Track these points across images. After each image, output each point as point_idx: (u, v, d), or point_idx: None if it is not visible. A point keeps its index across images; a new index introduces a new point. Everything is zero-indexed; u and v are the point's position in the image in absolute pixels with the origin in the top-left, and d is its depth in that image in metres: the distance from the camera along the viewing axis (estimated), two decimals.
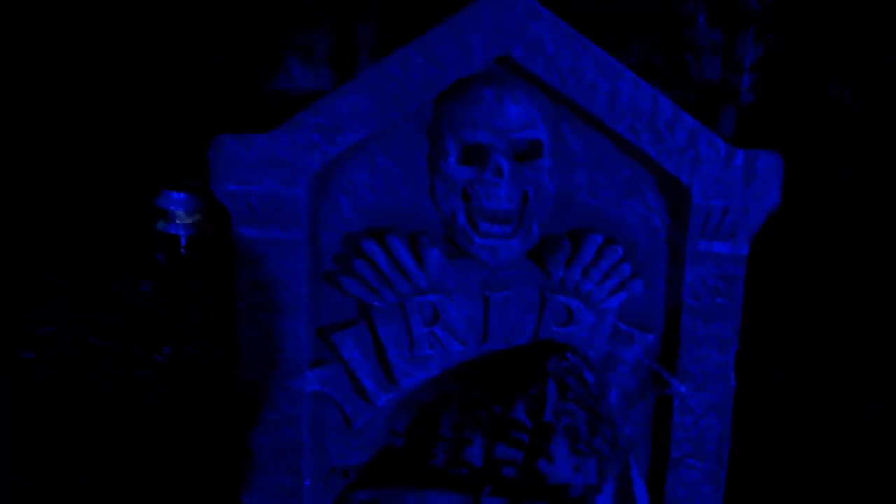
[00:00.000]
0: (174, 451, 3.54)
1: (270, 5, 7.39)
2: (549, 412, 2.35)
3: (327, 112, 2.29)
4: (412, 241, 2.35)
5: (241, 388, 2.45)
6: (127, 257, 6.13)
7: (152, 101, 7.31)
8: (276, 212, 2.35)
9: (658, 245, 2.42)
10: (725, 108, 7.20)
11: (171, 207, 5.60)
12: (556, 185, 2.34)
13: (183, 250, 6.05)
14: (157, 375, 4.82)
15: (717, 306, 2.41)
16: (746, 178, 2.29)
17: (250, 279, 2.38)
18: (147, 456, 3.98)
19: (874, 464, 3.53)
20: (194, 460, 3.61)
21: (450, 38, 2.15)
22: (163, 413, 4.26)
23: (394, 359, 2.49)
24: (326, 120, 2.29)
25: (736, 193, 2.28)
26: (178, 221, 5.95)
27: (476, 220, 2.31)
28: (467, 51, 2.18)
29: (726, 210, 2.29)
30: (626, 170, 2.36)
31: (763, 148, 2.27)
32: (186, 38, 7.35)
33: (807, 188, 5.43)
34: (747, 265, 2.37)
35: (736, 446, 2.47)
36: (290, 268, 2.38)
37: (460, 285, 2.40)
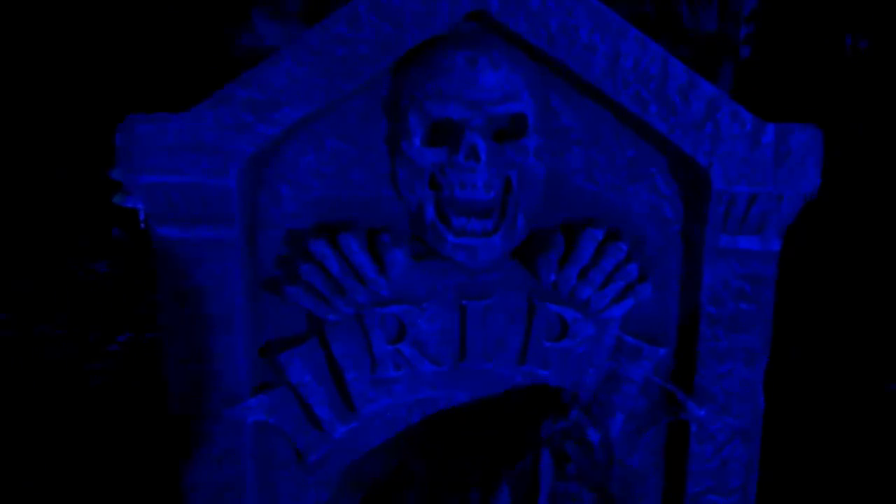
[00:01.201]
0: (128, 452, 3.03)
1: None
2: (543, 497, 1.91)
3: (260, 84, 2.04)
4: (371, 240, 2.11)
5: (169, 417, 2.23)
6: (81, 233, 5.67)
7: (103, 61, 6.78)
8: (202, 207, 2.10)
9: (670, 240, 2.16)
10: (722, 64, 6.70)
11: None
12: (545, 168, 2.09)
13: (142, 225, 5.58)
14: (112, 366, 4.35)
15: (743, 313, 2.15)
16: (778, 158, 2.02)
17: (174, 289, 2.15)
18: (97, 458, 3.69)
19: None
20: (150, 463, 3.41)
21: None
22: (115, 410, 3.78)
23: (352, 382, 2.25)
24: (260, 93, 2.04)
25: (765, 177, 2.02)
26: (136, 194, 5.44)
27: (448, 214, 2.06)
28: (431, 4, 1.94)
29: (753, 197, 2.04)
30: (630, 149, 2.12)
31: (761, 109, 2.07)
32: None
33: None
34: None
35: (764, 476, 2.37)
36: (221, 274, 2.14)
37: (431, 293, 2.17)
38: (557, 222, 2.13)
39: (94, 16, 6.82)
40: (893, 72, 5.72)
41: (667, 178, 2.13)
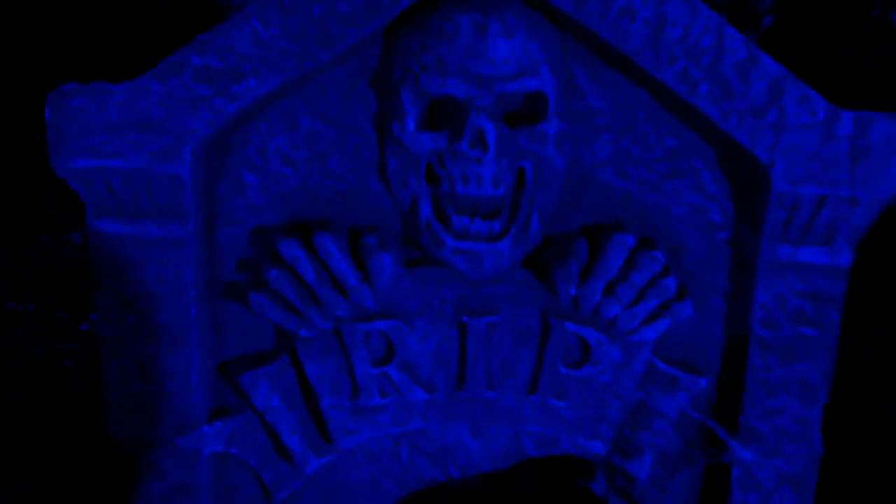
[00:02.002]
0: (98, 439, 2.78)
1: None
2: None
3: (219, 49, 1.77)
4: (353, 242, 1.88)
5: (111, 445, 2.02)
6: (51, 201, 5.33)
7: (73, 18, 6.39)
8: (148, 198, 1.85)
9: (717, 249, 1.91)
10: (744, 34, 6.33)
11: None
12: (566, 160, 1.84)
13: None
14: (86, 346, 4.10)
15: (802, 338, 1.90)
16: (855, 154, 1.76)
17: (116, 294, 1.92)
18: (66, 444, 3.28)
19: None
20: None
21: None
22: (89, 392, 3.53)
23: (329, 410, 2.02)
24: (218, 61, 1.77)
25: (838, 176, 1.77)
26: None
27: (447, 213, 1.83)
28: None
29: (822, 200, 1.79)
30: (671, 138, 1.86)
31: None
32: None
33: None
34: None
35: None
36: (172, 278, 1.90)
37: (425, 307, 1.95)
38: (580, 225, 1.91)
39: None
40: None
41: (715, 174, 1.88)
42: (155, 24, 6.03)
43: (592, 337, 1.95)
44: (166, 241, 1.89)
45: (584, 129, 1.86)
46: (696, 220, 1.92)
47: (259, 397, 2.01)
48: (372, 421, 2.03)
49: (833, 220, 1.83)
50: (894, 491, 3.00)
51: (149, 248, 1.90)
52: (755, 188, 1.85)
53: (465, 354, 1.98)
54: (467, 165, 1.79)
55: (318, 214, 1.93)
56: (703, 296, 1.95)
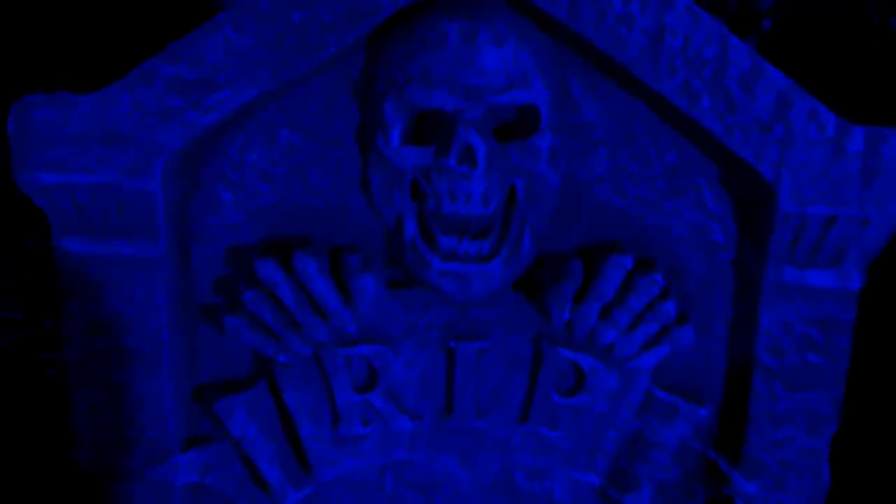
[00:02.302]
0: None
1: None
2: None
3: (192, 58, 1.68)
4: (335, 263, 1.79)
5: (78, 476, 1.94)
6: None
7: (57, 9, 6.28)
8: (117, 215, 1.76)
9: (719, 271, 1.83)
10: (742, 38, 6.23)
11: None
12: (560, 176, 1.76)
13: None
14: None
15: (809, 366, 1.82)
16: (866, 172, 1.67)
17: (83, 317, 1.83)
18: (41, 463, 3.10)
19: None
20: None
21: None
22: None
23: (309, 440, 1.93)
24: (191, 71, 1.68)
25: (848, 195, 1.69)
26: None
27: (434, 232, 1.74)
28: None
29: (832, 221, 1.71)
30: (671, 154, 1.78)
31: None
32: None
33: None
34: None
35: None
36: (143, 300, 1.81)
37: (410, 331, 1.86)
38: (574, 246, 1.82)
39: None
40: None
41: (717, 192, 1.79)
42: (146, 26, 5.91)
43: (587, 364, 1.87)
44: (137, 261, 1.79)
45: (580, 144, 1.77)
46: (697, 241, 1.83)
47: (235, 426, 1.92)
48: (354, 451, 1.95)
49: (842, 242, 1.74)
50: None
51: (118, 268, 1.80)
52: (760, 207, 1.77)
53: (452, 381, 1.89)
54: (455, 182, 1.69)
55: (298, 232, 1.83)
56: (705, 321, 1.87)
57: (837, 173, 1.69)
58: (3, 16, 5.72)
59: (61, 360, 1.94)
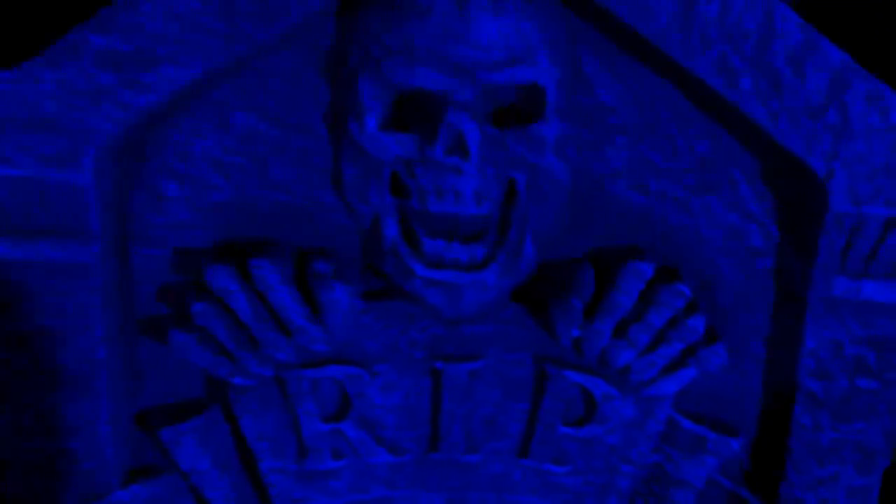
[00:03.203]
0: None
1: None
2: None
3: (126, 27, 1.44)
4: (301, 270, 1.58)
5: None
6: None
7: None
8: (41, 213, 1.53)
9: (757, 281, 1.63)
10: None
11: None
12: (569, 169, 1.55)
13: None
14: None
15: (860, 393, 1.62)
16: None
17: (5, 331, 1.63)
18: None
19: None
20: None
21: None
22: None
23: (270, 474, 1.72)
24: (124, 42, 1.44)
25: None
26: None
27: (418, 234, 1.55)
28: None
29: (892, 224, 1.49)
30: (703, 144, 1.56)
31: None
32: None
33: None
34: None
35: None
36: (74, 312, 1.59)
37: (389, 350, 1.66)
38: (585, 250, 1.64)
39: None
40: None
41: (757, 188, 1.59)
42: None
43: (599, 389, 1.68)
44: (66, 267, 1.58)
45: (594, 132, 1.58)
46: (731, 245, 1.64)
47: (184, 456, 1.71)
48: (323, 488, 1.75)
49: None
50: None
51: (45, 276, 1.58)
52: (807, 206, 1.57)
53: (439, 409, 1.69)
54: (443, 176, 1.50)
55: (258, 234, 1.64)
56: (739, 339, 1.69)
57: None
58: None
59: None
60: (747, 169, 1.60)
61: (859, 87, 1.47)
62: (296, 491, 1.76)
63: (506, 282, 1.61)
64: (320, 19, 1.52)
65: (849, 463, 1.70)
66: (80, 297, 1.61)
